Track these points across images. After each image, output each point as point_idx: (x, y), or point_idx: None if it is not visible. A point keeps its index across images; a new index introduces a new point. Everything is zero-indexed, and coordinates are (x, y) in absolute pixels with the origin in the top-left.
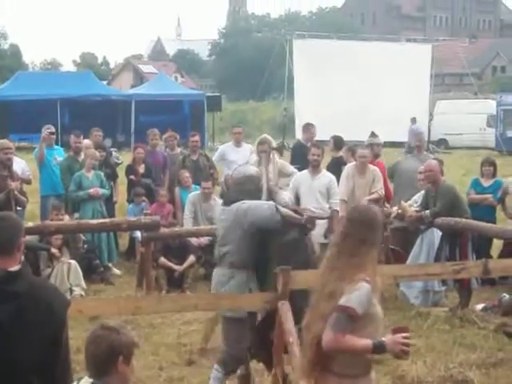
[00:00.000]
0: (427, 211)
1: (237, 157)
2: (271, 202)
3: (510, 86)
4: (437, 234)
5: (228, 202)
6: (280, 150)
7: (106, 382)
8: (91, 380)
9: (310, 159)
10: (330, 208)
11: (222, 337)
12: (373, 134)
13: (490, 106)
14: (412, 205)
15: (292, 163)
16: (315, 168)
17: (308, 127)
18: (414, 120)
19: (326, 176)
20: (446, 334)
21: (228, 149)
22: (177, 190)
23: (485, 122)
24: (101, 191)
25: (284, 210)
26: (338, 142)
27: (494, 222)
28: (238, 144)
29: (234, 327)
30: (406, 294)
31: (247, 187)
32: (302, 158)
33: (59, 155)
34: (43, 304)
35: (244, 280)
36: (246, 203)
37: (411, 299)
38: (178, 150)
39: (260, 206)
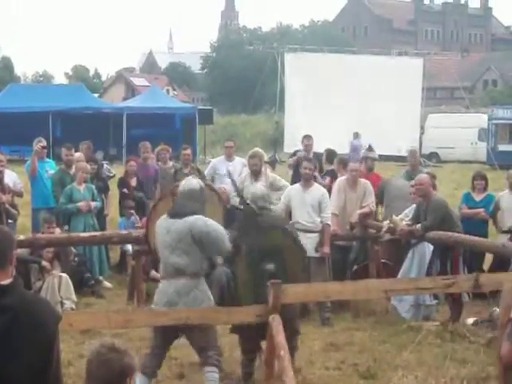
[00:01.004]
0: (418, 225)
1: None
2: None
3: (502, 100)
4: (428, 247)
5: (175, 214)
6: (272, 163)
7: None
8: None
9: (301, 172)
10: (321, 222)
11: (203, 340)
12: (370, 148)
13: (481, 119)
14: (403, 219)
15: (294, 180)
16: (307, 181)
17: (303, 140)
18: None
19: (318, 190)
20: (437, 348)
21: (220, 162)
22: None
23: (476, 136)
24: (92, 204)
25: None
26: (330, 155)
27: (486, 236)
28: (229, 158)
29: (213, 328)
30: (398, 307)
31: (192, 200)
32: None
33: (51, 168)
34: (34, 318)
35: (206, 288)
36: (204, 222)
37: (402, 313)
38: (170, 163)
39: (218, 235)
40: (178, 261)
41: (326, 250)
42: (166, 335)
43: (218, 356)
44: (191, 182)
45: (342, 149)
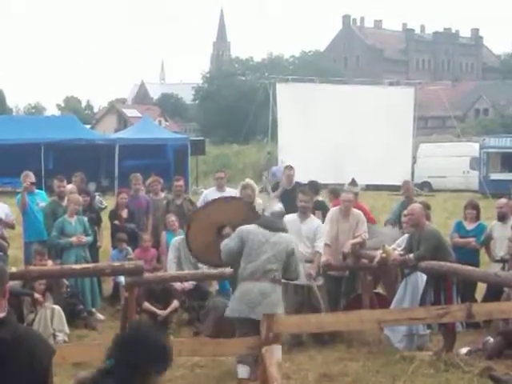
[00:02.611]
0: (411, 255)
1: None
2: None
3: (493, 129)
4: (421, 277)
5: (272, 228)
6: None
7: None
8: None
9: (298, 205)
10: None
11: None
12: (353, 182)
13: (472, 148)
14: (395, 248)
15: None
16: (304, 214)
17: (285, 171)
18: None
19: (313, 221)
20: (430, 378)
21: (211, 193)
22: (163, 234)
23: (468, 165)
24: (84, 239)
25: None
26: (312, 186)
27: (478, 265)
28: (220, 188)
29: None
30: (391, 337)
31: (282, 219)
32: (289, 202)
33: (42, 199)
34: (27, 352)
35: (280, 295)
36: (293, 241)
37: (395, 343)
38: (162, 194)
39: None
40: (268, 267)
41: (312, 271)
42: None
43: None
44: (279, 205)
45: (333, 179)
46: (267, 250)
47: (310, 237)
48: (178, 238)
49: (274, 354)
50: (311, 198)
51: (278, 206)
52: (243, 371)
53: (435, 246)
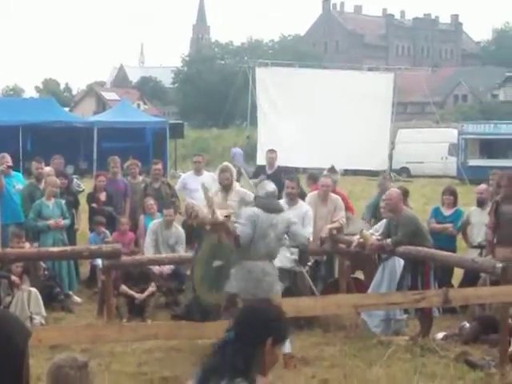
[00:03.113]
0: (388, 240)
1: (198, 185)
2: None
3: (472, 115)
4: (398, 262)
5: (273, 210)
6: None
7: None
8: None
9: (285, 192)
10: None
11: None
12: (332, 169)
13: (451, 134)
14: (373, 233)
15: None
16: (291, 200)
17: (267, 154)
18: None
19: (302, 207)
20: (407, 362)
21: (189, 177)
22: (142, 217)
23: (446, 151)
24: (62, 222)
25: None
26: (311, 177)
27: (454, 251)
28: (198, 172)
29: None
30: (368, 322)
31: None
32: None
33: (18, 181)
34: (3, 334)
35: (276, 269)
36: (289, 216)
37: (372, 328)
38: (140, 178)
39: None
40: (271, 247)
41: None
42: None
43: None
44: (271, 185)
45: (311, 163)
46: (270, 232)
47: (298, 222)
48: (156, 222)
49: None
50: (297, 184)
51: (271, 186)
52: None
53: (413, 232)
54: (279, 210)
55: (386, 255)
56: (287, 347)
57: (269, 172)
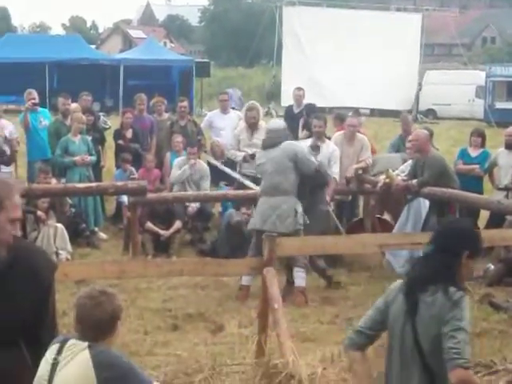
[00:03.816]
0: (414, 180)
1: (224, 124)
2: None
3: (500, 58)
4: (423, 203)
5: (269, 145)
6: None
7: (103, 345)
8: (87, 343)
9: (313, 130)
10: None
11: None
12: (356, 112)
13: (479, 76)
14: (399, 174)
15: None
16: (319, 139)
17: (294, 91)
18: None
19: (329, 146)
20: None
21: (215, 116)
22: (168, 154)
23: (473, 93)
24: (88, 159)
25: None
26: (338, 117)
27: (481, 193)
28: (224, 111)
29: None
30: (392, 262)
31: (281, 133)
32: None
33: (45, 117)
34: (30, 266)
35: (293, 203)
36: (293, 145)
37: (397, 268)
38: (166, 115)
39: (305, 153)
40: (275, 181)
41: (328, 197)
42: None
43: (305, 260)
44: (276, 121)
45: (338, 103)
46: (269, 167)
47: (324, 162)
48: (180, 159)
49: (298, 281)
50: (325, 123)
51: (274, 122)
52: (247, 279)
53: (440, 172)
54: (274, 144)
55: (411, 196)
56: (299, 281)
57: (296, 111)
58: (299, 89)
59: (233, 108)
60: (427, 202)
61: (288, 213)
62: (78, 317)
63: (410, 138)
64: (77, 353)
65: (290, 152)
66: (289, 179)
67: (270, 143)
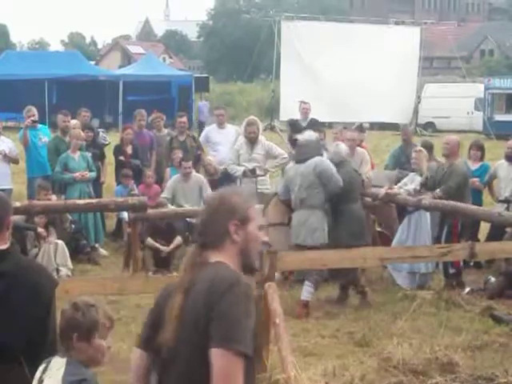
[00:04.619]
0: (437, 190)
1: (220, 138)
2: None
3: (498, 70)
4: (424, 215)
5: (299, 160)
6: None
7: (70, 357)
8: (65, 359)
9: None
10: None
11: None
12: (360, 127)
13: (477, 89)
14: (401, 187)
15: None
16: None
17: (300, 104)
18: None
19: (358, 153)
20: (432, 316)
21: (212, 131)
22: (168, 170)
23: (472, 106)
24: (87, 175)
25: None
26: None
27: (481, 205)
28: (221, 126)
29: None
30: (393, 275)
31: (312, 147)
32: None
33: (44, 134)
34: (30, 284)
35: (320, 218)
36: (321, 161)
37: (398, 281)
38: (165, 131)
39: (333, 173)
40: (302, 196)
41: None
42: None
43: (319, 277)
44: (309, 134)
45: (336, 117)
46: (297, 181)
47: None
48: (175, 177)
49: (304, 295)
50: (324, 135)
51: (305, 135)
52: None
53: (463, 183)
54: (305, 159)
55: (412, 208)
56: (305, 295)
57: (304, 124)
58: (305, 102)
59: (201, 122)
60: (428, 215)
61: (316, 225)
62: (60, 326)
63: (443, 141)
64: (55, 371)
65: (316, 169)
66: (315, 194)
67: (299, 158)
